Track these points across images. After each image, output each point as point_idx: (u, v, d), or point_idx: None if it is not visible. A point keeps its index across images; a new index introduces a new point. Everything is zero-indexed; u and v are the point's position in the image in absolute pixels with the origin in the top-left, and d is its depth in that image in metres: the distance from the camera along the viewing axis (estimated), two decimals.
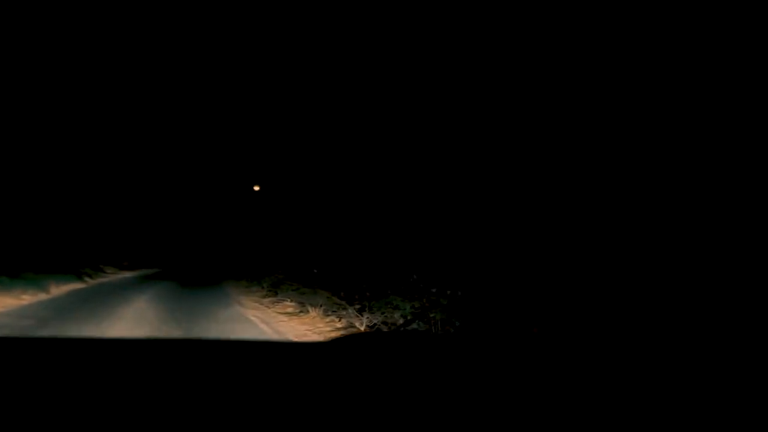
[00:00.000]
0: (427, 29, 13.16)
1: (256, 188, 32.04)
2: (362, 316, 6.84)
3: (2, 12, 16.64)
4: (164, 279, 20.16)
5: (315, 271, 10.48)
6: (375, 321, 6.52)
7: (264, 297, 12.22)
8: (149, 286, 15.57)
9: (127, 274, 23.15)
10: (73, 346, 2.29)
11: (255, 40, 26.82)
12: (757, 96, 7.13)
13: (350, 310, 7.16)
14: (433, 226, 10.36)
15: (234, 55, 28.92)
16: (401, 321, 5.79)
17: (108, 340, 5.29)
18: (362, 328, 6.76)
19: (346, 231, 12.75)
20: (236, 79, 30.35)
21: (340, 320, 7.24)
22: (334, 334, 6.55)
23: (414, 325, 5.83)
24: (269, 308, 10.32)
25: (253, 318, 9.05)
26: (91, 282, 16.02)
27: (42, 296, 10.84)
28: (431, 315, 5.37)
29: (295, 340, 6.75)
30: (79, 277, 15.46)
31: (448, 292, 5.90)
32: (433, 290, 5.98)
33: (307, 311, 8.58)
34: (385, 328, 6.24)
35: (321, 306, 8.40)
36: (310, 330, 7.34)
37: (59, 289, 12.46)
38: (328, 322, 7.51)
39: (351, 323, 6.89)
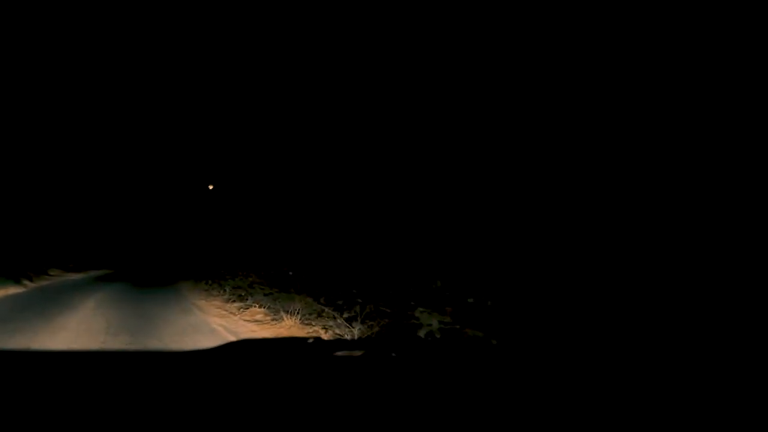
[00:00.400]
0: (415, 24, 12.40)
1: (210, 187, 30.73)
2: (353, 326, 5.76)
3: None
4: (115, 281, 18.70)
5: (290, 273, 9.27)
6: (371, 333, 5.47)
7: (228, 301, 11.05)
8: (97, 289, 14.16)
9: (74, 276, 21.55)
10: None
11: (197, 32, 25.32)
12: (757, 96, 6.91)
13: (339, 320, 6.04)
14: (445, 220, 9.37)
15: (187, 47, 27.25)
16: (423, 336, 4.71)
17: (42, 354, 4.19)
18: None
19: (332, 225, 11.50)
20: (195, 72, 28.68)
21: (326, 331, 6.15)
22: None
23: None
24: (235, 315, 9.19)
25: (217, 327, 7.95)
26: (30, 285, 14.47)
27: None
28: (468, 331, 4.37)
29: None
30: (16, 281, 13.89)
31: (489, 302, 4.90)
32: (470, 300, 4.95)
33: (282, 319, 7.50)
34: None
35: (298, 313, 7.31)
36: None
37: None
38: (309, 333, 6.47)
39: (339, 335, 5.84)
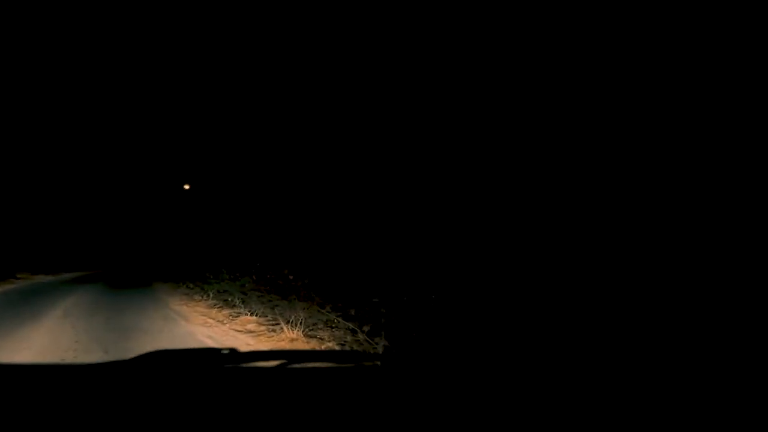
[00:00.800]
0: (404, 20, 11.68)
1: (186, 186, 29.44)
2: (375, 342, 4.75)
3: None
4: (87, 283, 17.46)
5: (291, 277, 8.18)
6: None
7: (213, 307, 9.98)
8: (67, 293, 12.94)
9: (45, 279, 20.22)
10: None
11: (171, 27, 24.05)
12: (757, 96, 6.76)
13: (360, 335, 4.97)
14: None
15: (158, 44, 25.85)
16: None
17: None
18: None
19: (335, 224, 10.42)
20: (182, 73, 27.26)
21: (341, 348, 5.09)
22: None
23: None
24: (224, 324, 8.14)
25: (205, 339, 6.92)
26: None
27: None
28: None
29: None
30: None
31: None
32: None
33: (281, 329, 6.49)
34: None
35: (301, 323, 6.27)
36: None
37: None
38: (317, 348, 5.46)
39: (361, 351, 4.81)
